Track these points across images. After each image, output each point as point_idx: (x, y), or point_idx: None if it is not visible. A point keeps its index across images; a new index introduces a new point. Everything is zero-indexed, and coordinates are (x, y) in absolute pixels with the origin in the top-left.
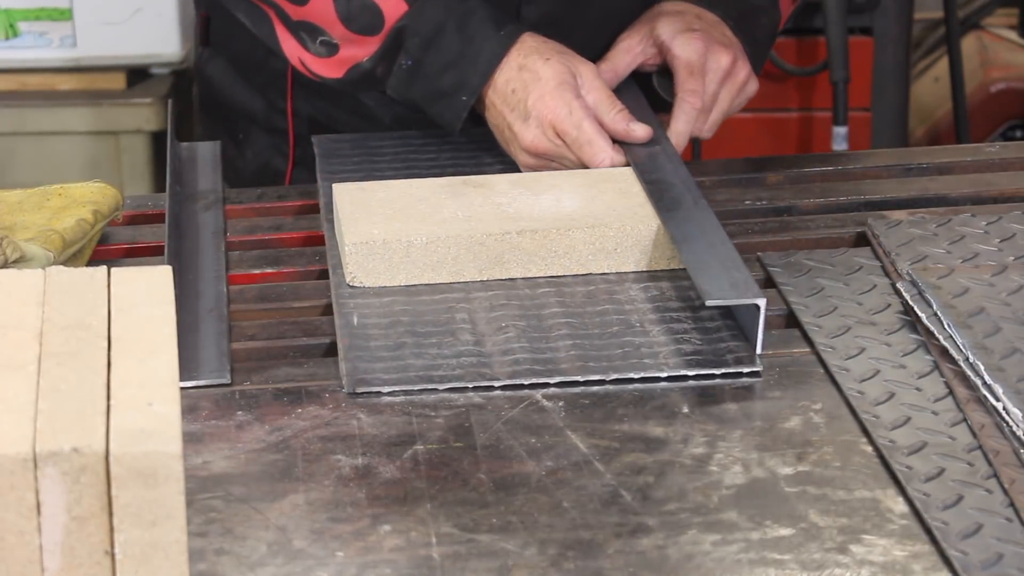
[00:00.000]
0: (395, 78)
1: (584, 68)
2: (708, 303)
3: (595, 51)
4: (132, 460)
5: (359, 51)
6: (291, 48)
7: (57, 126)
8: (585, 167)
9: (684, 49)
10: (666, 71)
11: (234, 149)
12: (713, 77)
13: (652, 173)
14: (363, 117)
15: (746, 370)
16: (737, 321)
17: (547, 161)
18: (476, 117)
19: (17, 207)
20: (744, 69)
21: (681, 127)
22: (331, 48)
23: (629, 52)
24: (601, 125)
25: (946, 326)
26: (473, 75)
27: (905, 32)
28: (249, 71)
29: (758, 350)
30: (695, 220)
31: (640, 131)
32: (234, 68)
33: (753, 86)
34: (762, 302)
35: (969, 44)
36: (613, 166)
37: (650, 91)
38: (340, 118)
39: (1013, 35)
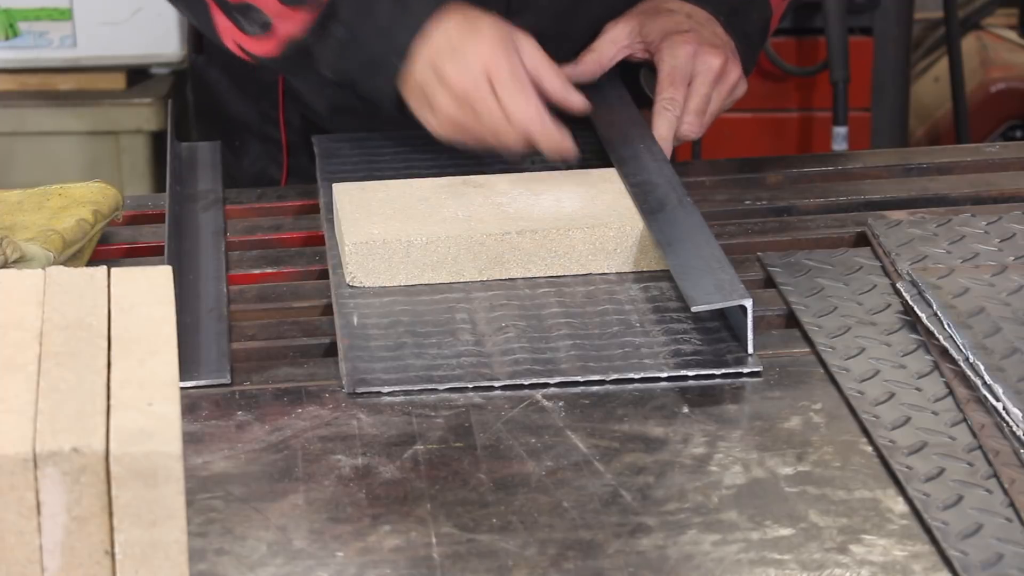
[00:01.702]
0: (329, 51)
1: (524, 36)
2: (694, 309)
3: None
4: (132, 460)
5: (293, 26)
6: (227, 31)
7: (57, 126)
8: (497, 136)
9: (672, 53)
10: (653, 69)
11: (230, 156)
12: (703, 80)
13: (636, 175)
14: (353, 126)
15: (746, 370)
16: (730, 322)
17: (463, 116)
18: None
19: (17, 207)
20: (735, 70)
21: (662, 130)
22: (266, 27)
23: (615, 44)
24: (539, 87)
25: (946, 326)
26: (404, 35)
27: (905, 32)
28: (242, 80)
29: (750, 350)
30: (680, 221)
31: (577, 100)
32: (228, 76)
33: (743, 87)
34: (748, 303)
35: (969, 44)
36: (541, 128)
37: (636, 85)
38: (330, 129)
39: (1013, 35)
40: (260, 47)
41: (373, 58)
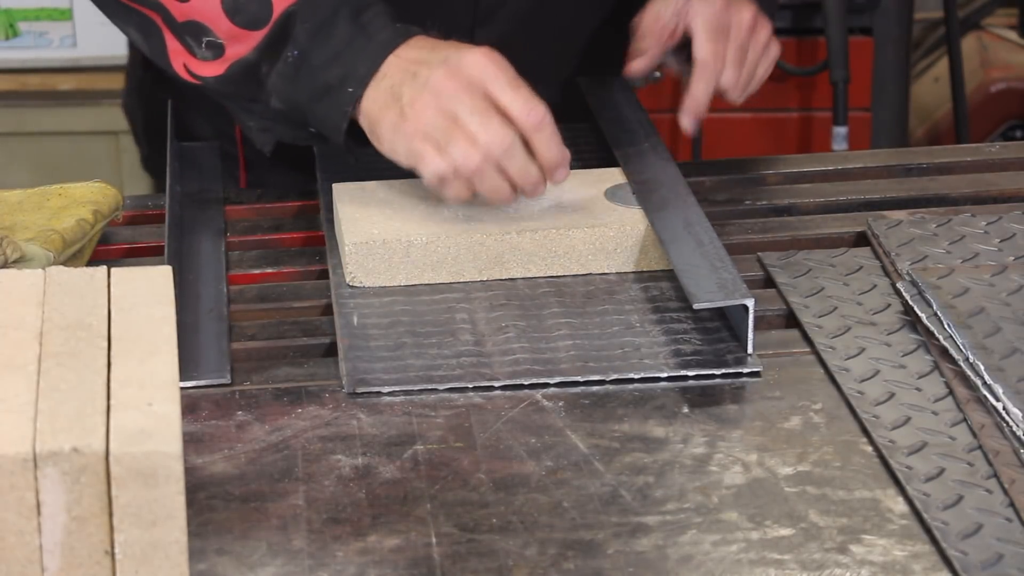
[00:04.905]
0: (278, 75)
1: (495, 69)
2: (696, 306)
3: (548, 71)
4: (132, 460)
5: (244, 49)
6: (176, 54)
7: (57, 126)
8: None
9: (702, 11)
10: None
11: None
12: (737, 31)
13: (640, 172)
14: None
15: (746, 370)
16: (731, 322)
17: (426, 145)
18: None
19: (17, 207)
20: (765, 28)
21: (701, 89)
22: (217, 50)
23: (658, 21)
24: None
25: (946, 326)
26: (362, 63)
27: (905, 32)
28: (194, 97)
29: (749, 349)
30: (683, 219)
31: (561, 176)
32: (180, 93)
33: (776, 47)
34: (750, 302)
35: (969, 44)
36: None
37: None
38: (289, 143)
39: (1013, 35)
40: (206, 68)
41: (327, 83)
